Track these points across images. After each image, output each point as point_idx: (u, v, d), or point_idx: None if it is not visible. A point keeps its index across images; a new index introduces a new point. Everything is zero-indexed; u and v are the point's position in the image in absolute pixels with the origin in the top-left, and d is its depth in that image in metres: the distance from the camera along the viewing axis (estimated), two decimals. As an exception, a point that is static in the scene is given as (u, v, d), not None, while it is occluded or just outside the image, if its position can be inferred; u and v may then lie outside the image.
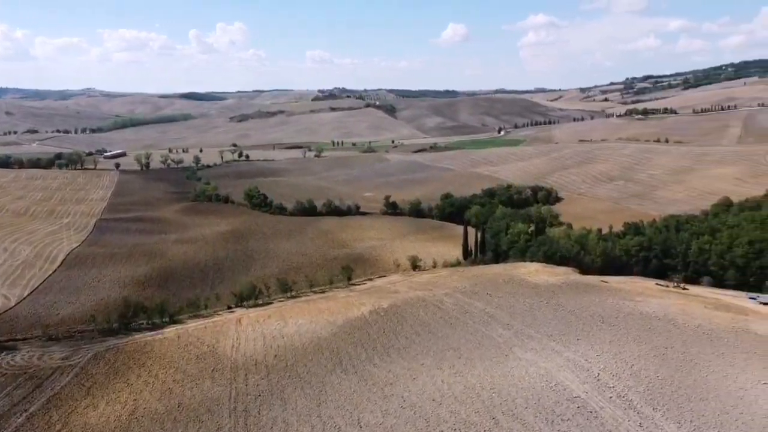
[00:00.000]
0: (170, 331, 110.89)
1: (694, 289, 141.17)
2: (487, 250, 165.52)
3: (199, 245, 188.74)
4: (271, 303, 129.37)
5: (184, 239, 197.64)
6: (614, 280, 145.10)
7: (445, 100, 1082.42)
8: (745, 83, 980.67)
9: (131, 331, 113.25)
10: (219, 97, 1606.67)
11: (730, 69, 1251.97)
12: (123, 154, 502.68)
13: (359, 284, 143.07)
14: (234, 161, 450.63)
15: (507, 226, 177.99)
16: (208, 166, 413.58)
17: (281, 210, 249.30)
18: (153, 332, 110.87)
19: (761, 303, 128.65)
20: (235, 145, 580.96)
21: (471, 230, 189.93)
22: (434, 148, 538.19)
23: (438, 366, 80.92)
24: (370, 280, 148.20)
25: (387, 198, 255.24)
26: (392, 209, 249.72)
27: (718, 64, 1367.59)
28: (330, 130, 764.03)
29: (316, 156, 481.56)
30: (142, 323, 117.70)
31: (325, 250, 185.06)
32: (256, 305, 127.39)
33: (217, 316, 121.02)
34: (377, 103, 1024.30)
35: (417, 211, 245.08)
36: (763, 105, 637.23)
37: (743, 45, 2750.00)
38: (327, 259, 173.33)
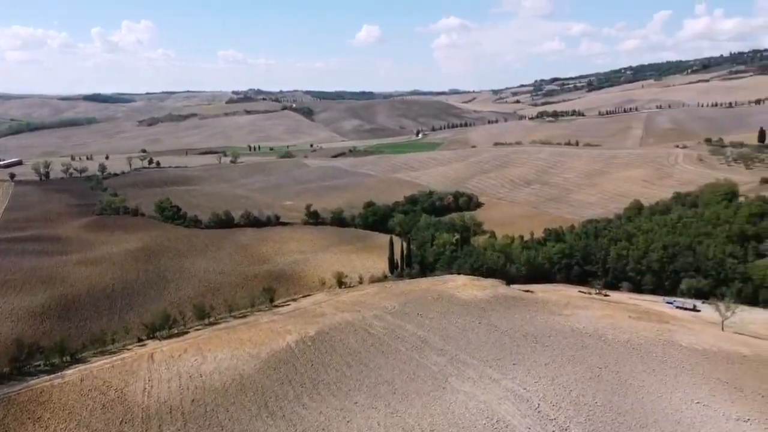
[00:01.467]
0: (72, 373, 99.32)
1: (614, 295, 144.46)
2: (413, 263, 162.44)
3: (105, 266, 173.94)
4: (187, 333, 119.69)
5: (88, 260, 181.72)
6: (539, 289, 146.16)
7: (362, 102, 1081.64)
8: (642, 86, 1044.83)
9: (25, 375, 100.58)
10: (126, 99, 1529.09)
11: (628, 72, 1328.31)
12: (19, 163, 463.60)
13: (283, 306, 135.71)
14: (144, 168, 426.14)
15: (432, 236, 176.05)
16: (115, 175, 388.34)
17: (196, 223, 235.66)
18: (52, 376, 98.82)
19: (677, 307, 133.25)
20: (144, 151, 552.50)
21: (396, 239, 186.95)
22: (353, 152, 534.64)
23: (372, 405, 75.88)
24: (294, 300, 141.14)
25: (308, 207, 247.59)
26: (314, 219, 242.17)
27: (618, 67, 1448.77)
28: (246, 134, 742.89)
29: (232, 162, 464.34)
30: (39, 365, 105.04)
31: (244, 267, 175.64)
32: (170, 336, 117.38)
33: (126, 351, 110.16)
34: (294, 105, 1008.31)
35: (339, 221, 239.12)
36: (660, 107, 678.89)
37: (638, 49, 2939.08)
38: (247, 278, 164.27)
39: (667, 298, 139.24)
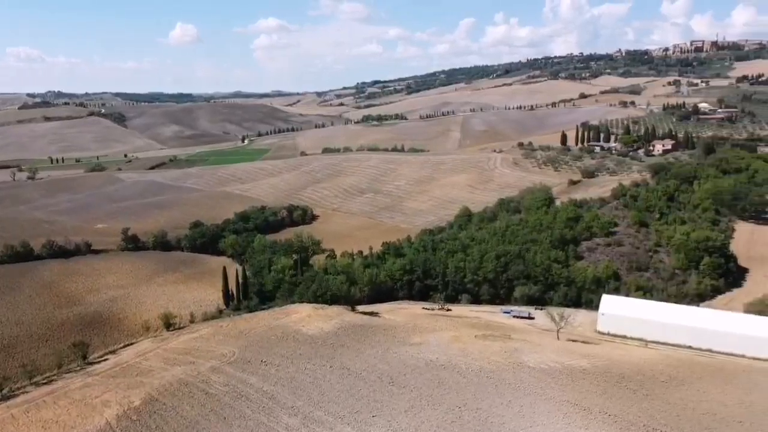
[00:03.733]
0: None
1: (456, 309, 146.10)
2: (251, 293, 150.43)
3: None
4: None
5: None
6: (385, 310, 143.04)
7: (182, 106, 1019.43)
8: (455, 89, 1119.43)
9: None
10: None
11: (442, 75, 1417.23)
12: None
13: (99, 361, 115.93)
14: None
15: (269, 261, 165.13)
16: None
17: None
18: None
19: (514, 317, 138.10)
20: None
21: (230, 264, 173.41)
22: (174, 161, 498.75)
23: (218, 496, 64.61)
24: (113, 353, 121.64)
25: (125, 230, 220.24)
26: (133, 244, 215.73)
27: (432, 71, 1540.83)
28: (46, 144, 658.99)
29: (29, 178, 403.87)
30: None
31: (49, 312, 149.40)
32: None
33: None
34: (103, 110, 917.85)
35: (163, 244, 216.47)
36: (473, 110, 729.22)
37: (448, 53, 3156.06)
38: (52, 327, 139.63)
39: (504, 308, 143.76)
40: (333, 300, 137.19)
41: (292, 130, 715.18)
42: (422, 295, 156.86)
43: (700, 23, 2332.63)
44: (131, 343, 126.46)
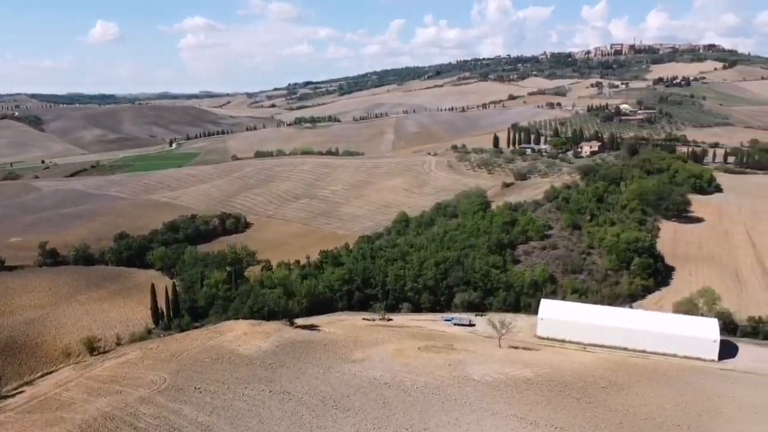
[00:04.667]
0: None
1: (397, 318, 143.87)
2: (182, 310, 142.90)
3: None
4: None
5: None
6: (325, 322, 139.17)
7: (104, 108, 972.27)
8: (387, 90, 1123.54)
9: None
10: None
11: (374, 76, 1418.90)
12: None
13: (13, 395, 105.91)
14: None
15: (202, 275, 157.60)
16: None
17: None
18: None
19: (456, 324, 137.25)
20: None
21: (159, 279, 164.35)
22: (97, 167, 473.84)
23: None
24: (30, 383, 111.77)
25: (43, 244, 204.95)
26: (52, 259, 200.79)
27: (364, 72, 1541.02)
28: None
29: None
30: None
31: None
32: None
33: None
34: (17, 113, 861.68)
35: (86, 258, 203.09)
36: (406, 112, 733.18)
37: (379, 54, 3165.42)
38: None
39: (445, 316, 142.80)
40: (270, 315, 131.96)
41: (223, 132, 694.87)
42: (362, 304, 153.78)
43: (618, 27, 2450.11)
44: (50, 372, 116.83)
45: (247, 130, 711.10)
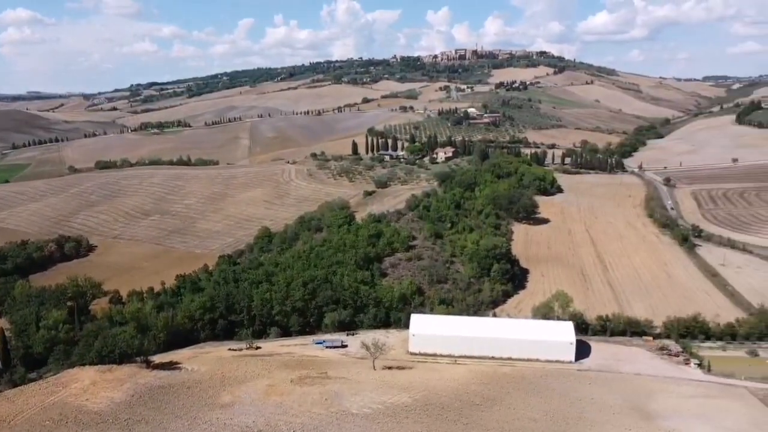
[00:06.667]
0: None
1: (266, 345, 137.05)
2: (14, 360, 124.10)
3: None
4: None
5: None
6: (187, 357, 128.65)
7: None
8: (240, 92, 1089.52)
9: None
10: None
11: (225, 78, 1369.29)
12: None
13: None
14: None
15: (37, 315, 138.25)
16: None
17: None
18: None
19: (327, 347, 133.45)
20: None
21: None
22: None
23: None
24: None
25: None
26: None
27: (214, 73, 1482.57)
28: None
29: None
30: None
31: None
32: None
33: None
34: None
35: None
36: (261, 116, 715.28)
37: (229, 53, 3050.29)
38: None
39: (316, 338, 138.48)
40: (123, 357, 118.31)
41: (57, 140, 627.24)
42: (227, 333, 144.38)
43: (460, 32, 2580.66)
44: None
45: (86, 137, 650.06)
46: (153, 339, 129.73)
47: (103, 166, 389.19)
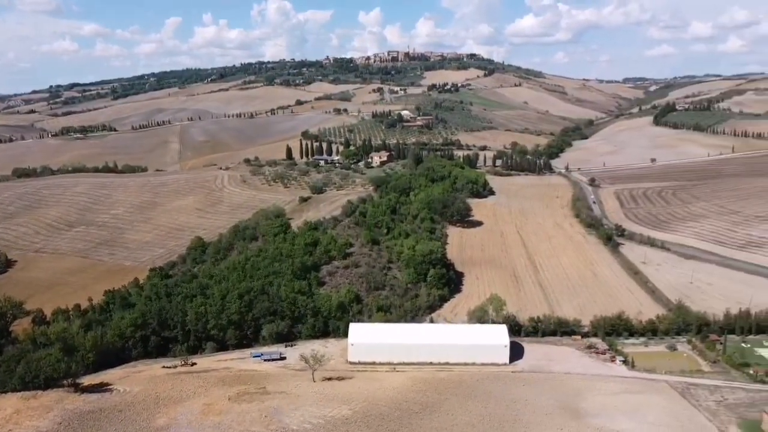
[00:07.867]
0: None
1: (201, 361, 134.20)
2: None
3: None
4: None
5: None
6: (118, 377, 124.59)
7: None
8: (168, 94, 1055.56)
9: None
10: None
11: (152, 78, 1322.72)
12: None
13: None
14: None
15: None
16: None
17: None
18: None
19: (266, 360, 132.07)
20: None
21: None
22: None
23: None
24: None
25: None
26: None
27: (140, 73, 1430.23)
28: None
29: None
30: None
31: None
32: None
33: None
34: None
35: None
36: (191, 119, 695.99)
37: (156, 53, 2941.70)
38: None
39: (254, 351, 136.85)
40: (48, 382, 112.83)
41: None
42: (161, 349, 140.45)
43: (392, 33, 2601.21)
44: None
45: (1, 142, 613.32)
46: (81, 360, 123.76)
47: (22, 173, 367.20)
